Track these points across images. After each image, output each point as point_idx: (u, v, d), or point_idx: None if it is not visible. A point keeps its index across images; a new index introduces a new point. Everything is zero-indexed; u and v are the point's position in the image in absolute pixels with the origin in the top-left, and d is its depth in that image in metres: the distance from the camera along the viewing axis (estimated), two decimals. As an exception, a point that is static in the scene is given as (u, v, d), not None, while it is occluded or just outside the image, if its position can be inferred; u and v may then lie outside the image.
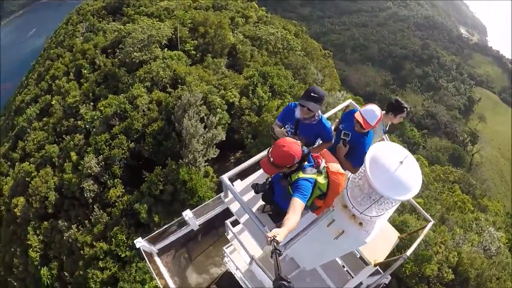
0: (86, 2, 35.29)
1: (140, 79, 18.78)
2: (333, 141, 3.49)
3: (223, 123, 15.50)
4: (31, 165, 20.25)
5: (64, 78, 24.06)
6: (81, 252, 15.24)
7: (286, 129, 3.40)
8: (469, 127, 60.38)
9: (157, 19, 25.06)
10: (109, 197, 15.42)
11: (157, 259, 11.25)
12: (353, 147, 3.42)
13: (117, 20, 28.24)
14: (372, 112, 3.25)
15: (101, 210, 15.55)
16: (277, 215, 3.42)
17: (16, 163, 21.76)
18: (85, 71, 22.95)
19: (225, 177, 3.34)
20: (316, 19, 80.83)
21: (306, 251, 3.88)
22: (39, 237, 17.66)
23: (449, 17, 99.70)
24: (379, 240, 4.22)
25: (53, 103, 22.57)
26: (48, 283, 16.22)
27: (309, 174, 2.64)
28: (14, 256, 18.89)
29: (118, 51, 21.87)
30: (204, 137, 14.34)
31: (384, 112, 3.73)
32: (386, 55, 69.43)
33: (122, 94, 18.53)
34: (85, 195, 15.92)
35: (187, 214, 9.90)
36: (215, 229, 11.38)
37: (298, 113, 3.28)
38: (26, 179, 19.48)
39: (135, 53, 20.19)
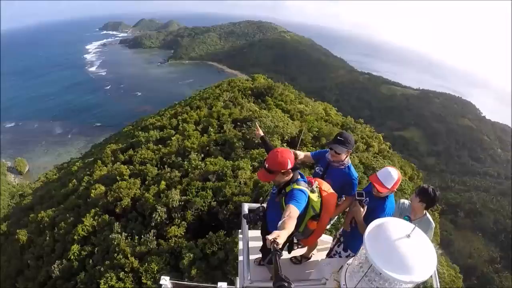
0: (239, 78, 46.60)
1: (252, 157, 23.86)
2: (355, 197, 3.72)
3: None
4: (127, 170, 26.39)
5: (192, 125, 31.57)
6: (114, 255, 18.73)
7: (315, 170, 4.10)
8: None
9: (289, 115, 31.57)
10: (168, 231, 19.23)
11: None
12: (369, 211, 3.60)
13: (256, 103, 36.11)
14: (388, 173, 3.46)
15: (154, 237, 19.29)
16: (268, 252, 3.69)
17: (118, 162, 28.51)
18: (212, 130, 29.87)
19: (245, 205, 4.01)
20: (438, 172, 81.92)
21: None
22: (93, 222, 22.21)
23: None
24: None
25: (172, 138, 29.63)
26: (72, 257, 20.33)
27: (303, 186, 3.13)
28: (65, 221, 24.02)
29: (245, 126, 28.20)
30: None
31: (414, 195, 3.83)
32: (500, 228, 63.81)
33: (230, 161, 23.76)
34: (152, 216, 20.13)
35: (221, 286, 12.28)
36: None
37: (328, 155, 3.93)
38: (117, 177, 25.44)
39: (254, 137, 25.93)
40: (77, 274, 19.76)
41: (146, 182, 24.58)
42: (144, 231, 20.09)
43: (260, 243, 4.07)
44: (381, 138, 37.01)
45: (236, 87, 41.00)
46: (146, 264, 17.63)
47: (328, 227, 4.15)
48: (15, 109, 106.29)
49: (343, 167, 3.86)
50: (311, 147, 25.70)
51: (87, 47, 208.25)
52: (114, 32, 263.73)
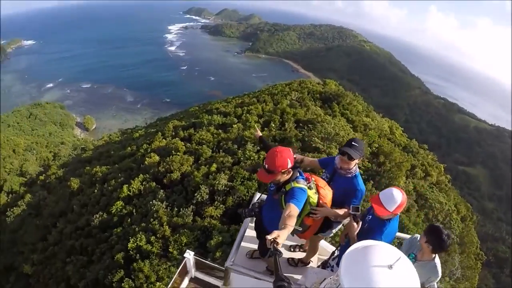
0: (310, 80, 47.35)
1: (304, 159, 24.40)
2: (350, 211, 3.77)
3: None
4: (183, 146, 28.66)
5: (255, 117, 32.98)
6: (151, 220, 20.71)
7: (321, 176, 4.14)
8: None
9: (352, 126, 31.57)
10: (206, 210, 20.66)
11: (185, 280, 14.62)
12: (367, 230, 3.65)
13: (323, 108, 36.45)
14: (391, 195, 3.41)
15: (192, 212, 20.89)
16: (264, 245, 4.00)
17: (177, 138, 31.07)
18: (273, 125, 30.99)
19: (257, 195, 4.33)
20: (494, 219, 75.25)
21: None
22: (140, 186, 24.85)
23: None
24: None
25: (234, 126, 31.32)
26: (113, 212, 23.29)
27: (302, 184, 3.33)
28: (115, 179, 27.15)
29: (305, 128, 28.83)
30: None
31: (423, 233, 3.66)
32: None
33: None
34: (195, 194, 21.78)
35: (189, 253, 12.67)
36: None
37: (337, 161, 3.97)
38: (173, 151, 27.82)
39: (315, 139, 26.44)
40: (113, 228, 22.22)
41: (199, 162, 26.48)
42: (185, 206, 21.80)
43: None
44: (443, 168, 35.29)
45: (306, 88, 41.80)
46: (177, 235, 19.19)
47: (332, 234, 4.50)
48: (93, 73, 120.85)
49: (350, 175, 3.89)
50: (367, 162, 25.66)
51: (170, 27, 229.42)
52: (197, 17, 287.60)
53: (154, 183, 25.06)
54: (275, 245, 2.37)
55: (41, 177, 40.69)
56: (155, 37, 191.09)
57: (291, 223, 2.83)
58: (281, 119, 31.75)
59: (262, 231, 3.88)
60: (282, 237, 2.53)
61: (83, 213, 26.64)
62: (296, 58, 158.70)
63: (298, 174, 3.40)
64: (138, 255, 18.74)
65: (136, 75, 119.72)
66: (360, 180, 3.93)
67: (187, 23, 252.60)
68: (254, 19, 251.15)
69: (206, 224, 19.88)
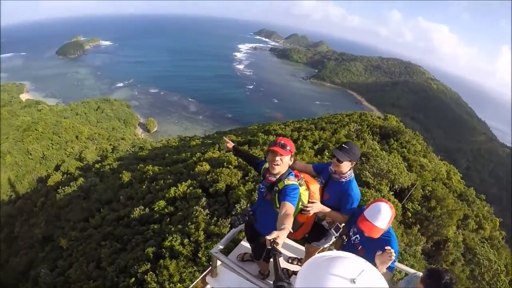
0: (371, 114, 46.76)
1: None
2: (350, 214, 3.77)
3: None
4: (235, 161, 29.65)
5: (310, 143, 32.95)
6: (189, 223, 21.47)
7: (318, 181, 4.09)
8: None
9: (407, 164, 30.44)
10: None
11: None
12: (369, 250, 3.31)
13: (380, 143, 35.54)
14: (379, 211, 3.14)
15: (229, 225, 21.39)
16: (258, 248, 4.08)
17: (229, 152, 32.30)
18: (326, 153, 30.63)
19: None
20: None
21: None
22: (186, 190, 25.97)
23: None
24: None
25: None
26: (155, 209, 24.47)
27: (294, 181, 3.42)
28: (164, 180, 28.80)
29: (358, 162, 28.11)
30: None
31: (422, 277, 3.35)
32: None
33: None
34: (235, 206, 22.34)
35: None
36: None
37: (331, 167, 3.94)
38: (224, 163, 28.90)
39: (367, 173, 25.78)
40: (151, 224, 23.39)
41: (246, 178, 27.15)
42: (224, 217, 22.40)
43: None
44: (498, 223, 32.32)
45: (365, 121, 41.33)
46: (210, 242, 19.74)
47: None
48: (163, 80, 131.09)
49: (344, 180, 3.83)
50: (417, 205, 24.63)
51: (240, 46, 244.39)
52: (267, 39, 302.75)
53: (200, 190, 26.03)
54: (274, 245, 2.34)
55: (97, 166, 43.93)
56: (225, 53, 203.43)
57: (289, 223, 2.83)
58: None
59: (254, 234, 3.95)
60: (281, 237, 2.52)
61: (127, 204, 28.29)
62: (361, 90, 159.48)
63: (288, 172, 3.51)
64: (168, 253, 19.52)
65: (203, 88, 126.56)
66: (354, 185, 3.85)
67: (257, 44, 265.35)
68: (322, 46, 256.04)
69: (240, 237, 20.23)
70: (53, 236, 29.50)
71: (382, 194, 22.43)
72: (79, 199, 33.21)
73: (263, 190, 3.64)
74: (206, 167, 29.39)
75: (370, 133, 37.58)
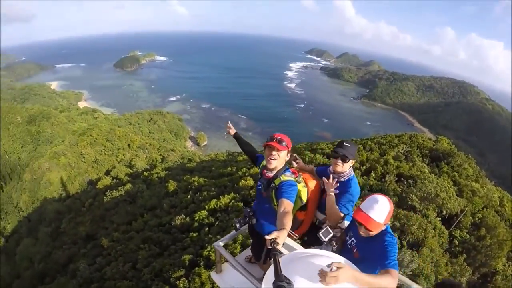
0: (422, 135, 44.75)
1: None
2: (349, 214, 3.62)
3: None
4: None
5: (357, 164, 32.24)
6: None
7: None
8: None
9: (457, 189, 28.58)
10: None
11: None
12: (369, 257, 2.97)
13: (430, 166, 33.77)
14: (375, 203, 2.88)
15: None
16: (257, 248, 4.05)
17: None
18: (373, 175, 29.81)
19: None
20: None
21: None
22: (228, 203, 26.32)
23: None
24: None
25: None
26: (196, 218, 24.72)
27: (291, 177, 3.43)
28: (208, 192, 29.22)
29: (403, 182, 26.98)
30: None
31: None
32: None
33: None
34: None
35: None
36: None
37: (330, 167, 3.94)
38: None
39: (413, 196, 24.51)
40: (191, 232, 23.80)
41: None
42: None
43: None
44: None
45: (416, 142, 39.83)
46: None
47: None
48: (215, 96, 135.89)
49: (343, 179, 3.75)
50: (464, 232, 23.01)
51: (291, 65, 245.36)
52: (318, 58, 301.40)
53: (241, 204, 26.23)
54: (274, 245, 2.28)
55: (145, 173, 45.71)
56: (276, 72, 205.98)
57: (289, 221, 2.77)
58: (383, 170, 30.76)
59: (254, 235, 3.97)
60: (282, 237, 2.44)
61: (170, 212, 29.10)
62: (413, 111, 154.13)
63: (285, 168, 3.51)
64: (203, 262, 19.70)
65: (254, 106, 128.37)
66: (353, 184, 3.76)
67: (308, 63, 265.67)
68: (373, 65, 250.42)
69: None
70: (96, 235, 30.96)
71: (429, 220, 21.43)
72: (125, 203, 34.65)
73: (260, 187, 3.65)
74: (250, 182, 29.57)
75: (420, 155, 36.26)
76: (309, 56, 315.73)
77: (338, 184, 3.57)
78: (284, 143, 3.40)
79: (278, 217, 2.89)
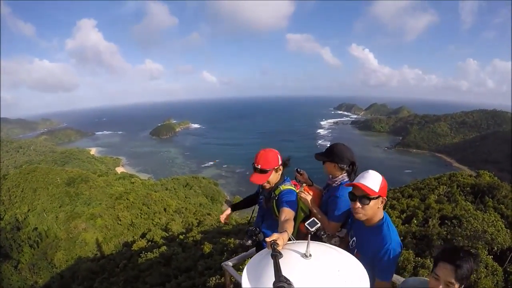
0: (462, 173, 41.95)
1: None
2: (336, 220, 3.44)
3: None
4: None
5: (397, 213, 30.30)
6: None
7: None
8: None
9: (506, 222, 25.70)
10: None
11: None
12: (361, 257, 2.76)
13: (473, 203, 31.29)
14: (364, 173, 2.86)
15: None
16: None
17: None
18: (415, 221, 27.91)
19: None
20: None
21: None
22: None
23: None
24: None
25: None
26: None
27: (291, 186, 3.48)
28: None
29: (448, 224, 24.88)
30: None
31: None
32: None
33: (419, 258, 21.67)
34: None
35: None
36: None
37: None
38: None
39: (460, 238, 22.34)
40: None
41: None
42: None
43: None
44: None
45: (455, 181, 37.68)
46: None
47: None
48: (248, 160, 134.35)
49: (335, 184, 3.63)
50: None
51: (322, 122, 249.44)
52: (347, 113, 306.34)
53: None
54: (275, 246, 2.25)
55: (181, 237, 45.32)
56: (308, 132, 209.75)
57: (290, 227, 2.76)
58: (424, 215, 29.15)
59: (258, 247, 3.81)
60: (282, 238, 2.38)
61: (204, 274, 28.26)
62: (449, 151, 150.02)
63: (284, 179, 3.59)
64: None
65: (290, 169, 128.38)
66: (341, 189, 3.48)
67: (338, 119, 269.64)
68: (403, 112, 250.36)
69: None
70: (129, 295, 30.19)
71: (480, 259, 19.72)
72: (159, 265, 34.06)
73: (262, 201, 3.78)
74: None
75: (462, 194, 34.38)
76: (339, 112, 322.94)
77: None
78: (268, 170, 3.42)
79: (279, 224, 2.89)
